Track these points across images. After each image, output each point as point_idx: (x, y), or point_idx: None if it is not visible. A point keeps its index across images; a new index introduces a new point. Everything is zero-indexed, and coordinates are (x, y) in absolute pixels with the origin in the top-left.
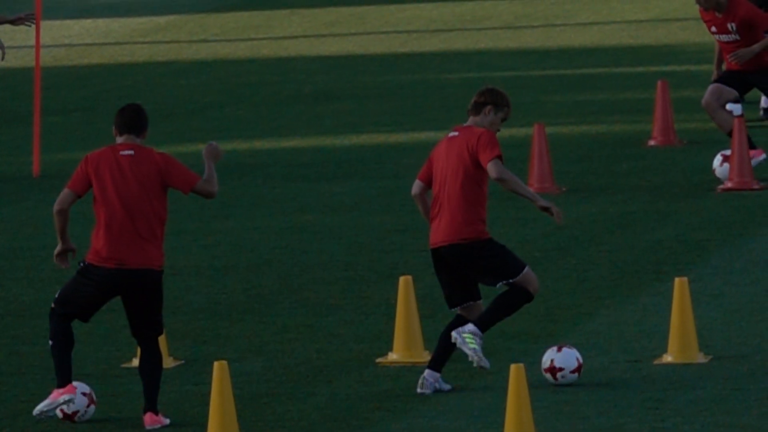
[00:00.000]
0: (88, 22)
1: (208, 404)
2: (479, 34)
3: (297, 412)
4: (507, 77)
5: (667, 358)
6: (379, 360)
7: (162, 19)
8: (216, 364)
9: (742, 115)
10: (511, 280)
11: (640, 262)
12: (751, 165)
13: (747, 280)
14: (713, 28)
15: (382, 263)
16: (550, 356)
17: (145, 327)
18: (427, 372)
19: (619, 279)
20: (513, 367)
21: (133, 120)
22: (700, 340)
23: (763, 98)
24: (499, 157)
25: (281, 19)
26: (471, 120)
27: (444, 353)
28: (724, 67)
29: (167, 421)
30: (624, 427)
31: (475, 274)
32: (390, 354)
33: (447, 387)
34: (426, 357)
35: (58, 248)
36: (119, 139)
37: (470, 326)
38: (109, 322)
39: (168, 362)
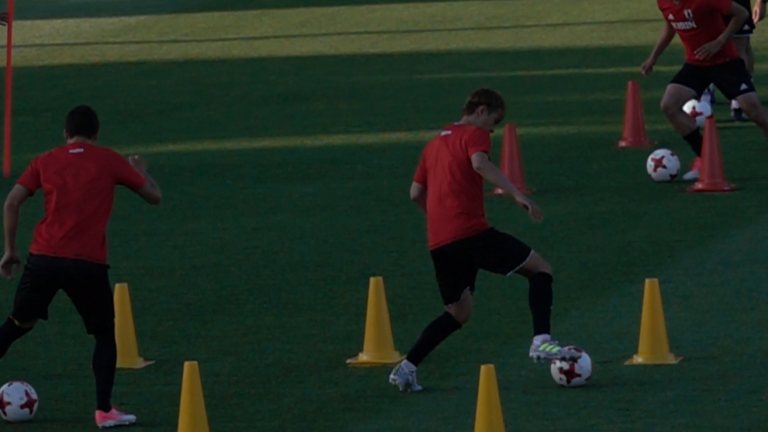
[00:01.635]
0: (58, 22)
1: (178, 404)
2: (450, 35)
3: (267, 412)
4: (478, 78)
5: (638, 359)
6: (349, 361)
7: (132, 20)
8: (186, 364)
9: (711, 116)
10: (521, 265)
11: (610, 263)
12: (722, 166)
13: (717, 281)
14: (670, 16)
15: (352, 264)
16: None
17: (93, 320)
18: (404, 362)
19: (589, 280)
20: (483, 368)
21: (83, 122)
22: (671, 341)
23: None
24: (485, 151)
25: (252, 19)
26: (464, 119)
27: (424, 347)
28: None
29: (126, 417)
30: (594, 428)
31: (485, 266)
32: (360, 355)
33: (418, 387)
34: (396, 358)
35: (5, 257)
36: (70, 141)
37: (536, 339)
38: (79, 323)
39: (138, 363)
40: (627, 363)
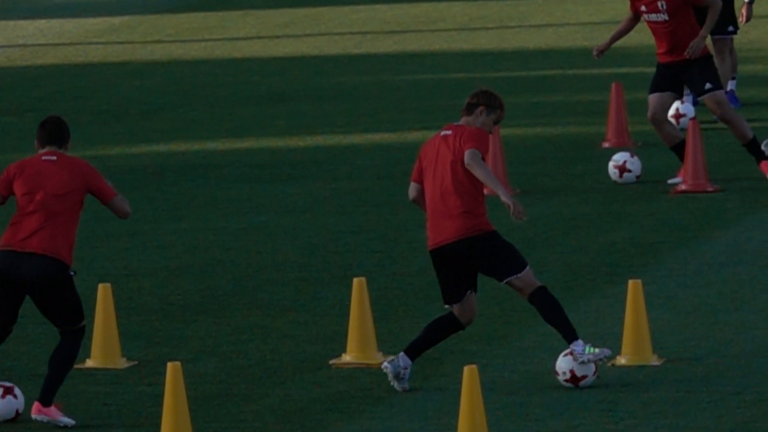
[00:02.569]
0: (42, 23)
1: (161, 405)
2: (433, 36)
3: (250, 413)
4: (461, 79)
5: (621, 360)
6: (332, 361)
7: (116, 20)
8: (169, 365)
9: (695, 118)
10: (518, 275)
11: (593, 264)
12: (705, 167)
13: (701, 283)
14: (642, 8)
15: (335, 264)
16: (569, 365)
17: (60, 323)
18: (401, 355)
19: (572, 281)
20: (466, 369)
21: (54, 132)
22: (654, 343)
23: None
24: (480, 150)
25: (235, 20)
26: (463, 120)
27: (423, 344)
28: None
29: (64, 419)
30: (577, 429)
31: (484, 267)
32: (343, 355)
33: (406, 385)
34: (379, 358)
35: None
36: (41, 151)
37: (577, 347)
38: None
39: (121, 363)
40: (610, 364)
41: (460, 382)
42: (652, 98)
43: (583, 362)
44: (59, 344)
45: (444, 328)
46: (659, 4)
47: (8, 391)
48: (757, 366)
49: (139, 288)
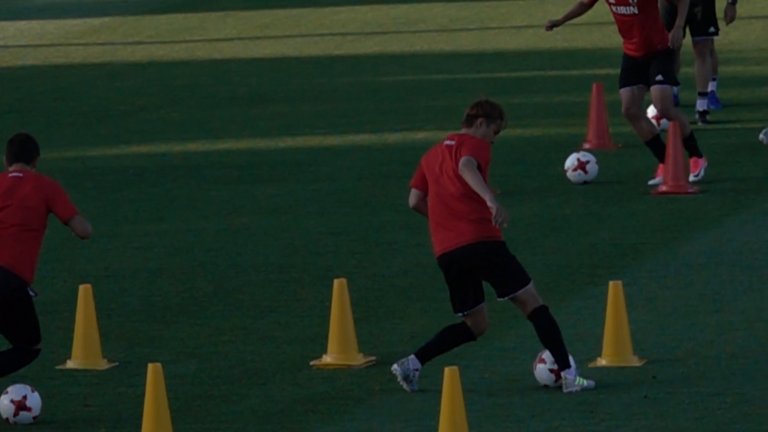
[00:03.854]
0: (22, 24)
1: (142, 406)
2: (414, 37)
3: (231, 414)
4: (442, 80)
5: (602, 362)
6: (313, 362)
7: (96, 21)
8: (150, 366)
9: None
10: (519, 291)
11: (574, 265)
12: (686, 169)
13: (681, 284)
14: (612, 0)
15: (316, 266)
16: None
17: (15, 340)
18: (411, 357)
19: (553, 282)
20: (447, 370)
21: (20, 150)
22: (635, 344)
23: (698, 101)
24: (477, 158)
25: (216, 21)
26: (464, 131)
27: (434, 349)
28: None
29: None
30: (558, 430)
31: (488, 276)
32: (324, 356)
33: (415, 387)
34: (360, 360)
35: None
36: (9, 168)
37: (569, 375)
38: (43, 324)
39: (102, 364)
40: (591, 365)
41: (441, 383)
42: (624, 93)
43: (568, 391)
44: (6, 351)
45: (456, 336)
46: None
47: (21, 406)
48: (738, 367)
49: (120, 289)
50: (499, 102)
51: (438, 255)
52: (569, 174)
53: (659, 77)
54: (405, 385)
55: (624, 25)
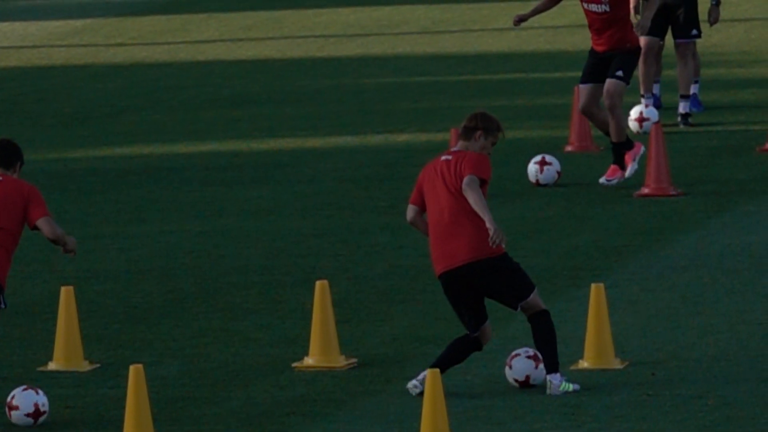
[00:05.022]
0: (4, 25)
1: (123, 408)
2: (396, 39)
3: (213, 416)
4: (424, 82)
5: (584, 364)
6: (295, 364)
7: (79, 23)
8: (132, 367)
9: (658, 122)
10: (527, 298)
11: (556, 267)
12: (668, 171)
13: (663, 286)
14: None
15: (298, 267)
16: (526, 371)
17: None
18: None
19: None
20: (429, 372)
21: (1, 155)
22: (617, 346)
23: (681, 104)
24: (480, 176)
25: (198, 23)
26: (461, 144)
27: (449, 362)
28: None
29: None
30: None
31: (495, 292)
32: (306, 358)
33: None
34: (342, 362)
35: None
36: None
37: (554, 380)
38: (25, 326)
39: (84, 366)
40: (573, 368)
41: (423, 386)
42: (584, 89)
43: (552, 393)
44: None
45: (466, 348)
46: None
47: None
48: (719, 370)
49: (102, 290)
50: (481, 104)
51: (438, 274)
52: (530, 166)
53: (619, 73)
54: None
55: (595, 22)
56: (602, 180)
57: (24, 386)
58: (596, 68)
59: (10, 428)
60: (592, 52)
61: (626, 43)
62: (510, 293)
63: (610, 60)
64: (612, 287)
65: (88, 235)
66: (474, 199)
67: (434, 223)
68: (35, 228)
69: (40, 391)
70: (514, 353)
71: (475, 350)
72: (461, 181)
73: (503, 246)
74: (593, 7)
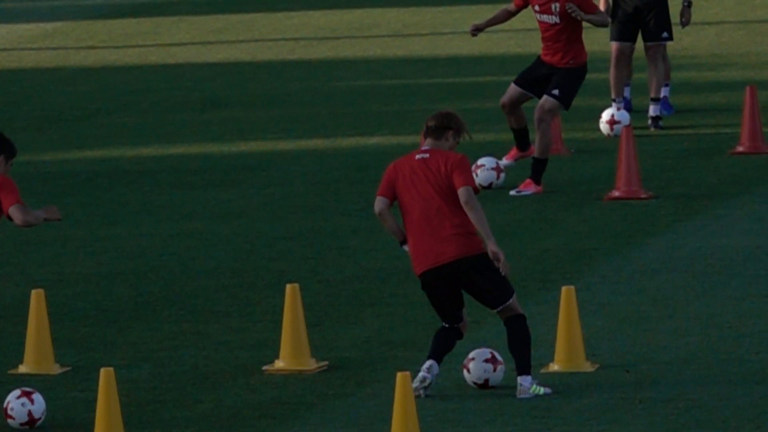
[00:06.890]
0: None
1: (94, 411)
2: (367, 42)
3: (183, 419)
4: (395, 85)
5: (554, 367)
6: (265, 367)
7: (49, 26)
8: (102, 370)
9: (629, 125)
10: (508, 302)
11: (526, 270)
12: (639, 174)
13: (634, 289)
14: (536, 7)
15: (269, 271)
16: (485, 376)
17: None
18: (433, 363)
19: None
20: (399, 375)
21: None
22: (587, 349)
23: (651, 107)
24: (472, 185)
25: (169, 26)
26: (431, 143)
27: (442, 351)
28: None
29: None
30: None
31: (479, 290)
32: (276, 362)
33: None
34: (312, 365)
35: None
36: None
37: (524, 382)
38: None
39: (54, 369)
40: (543, 371)
41: (393, 389)
42: (514, 89)
43: (521, 397)
44: None
45: (450, 337)
46: (552, 6)
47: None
48: (690, 373)
49: (72, 294)
50: (452, 107)
51: (423, 270)
52: (483, 159)
53: (555, 92)
54: (422, 392)
55: (546, 32)
56: (512, 191)
57: (18, 392)
58: (533, 76)
59: (8, 429)
60: (538, 59)
61: (570, 60)
62: (493, 293)
63: (550, 76)
64: (583, 290)
65: (58, 238)
66: (476, 218)
67: (416, 221)
68: (9, 218)
69: (35, 397)
70: (470, 356)
71: (458, 339)
72: (449, 180)
73: (505, 273)
74: (545, 18)
